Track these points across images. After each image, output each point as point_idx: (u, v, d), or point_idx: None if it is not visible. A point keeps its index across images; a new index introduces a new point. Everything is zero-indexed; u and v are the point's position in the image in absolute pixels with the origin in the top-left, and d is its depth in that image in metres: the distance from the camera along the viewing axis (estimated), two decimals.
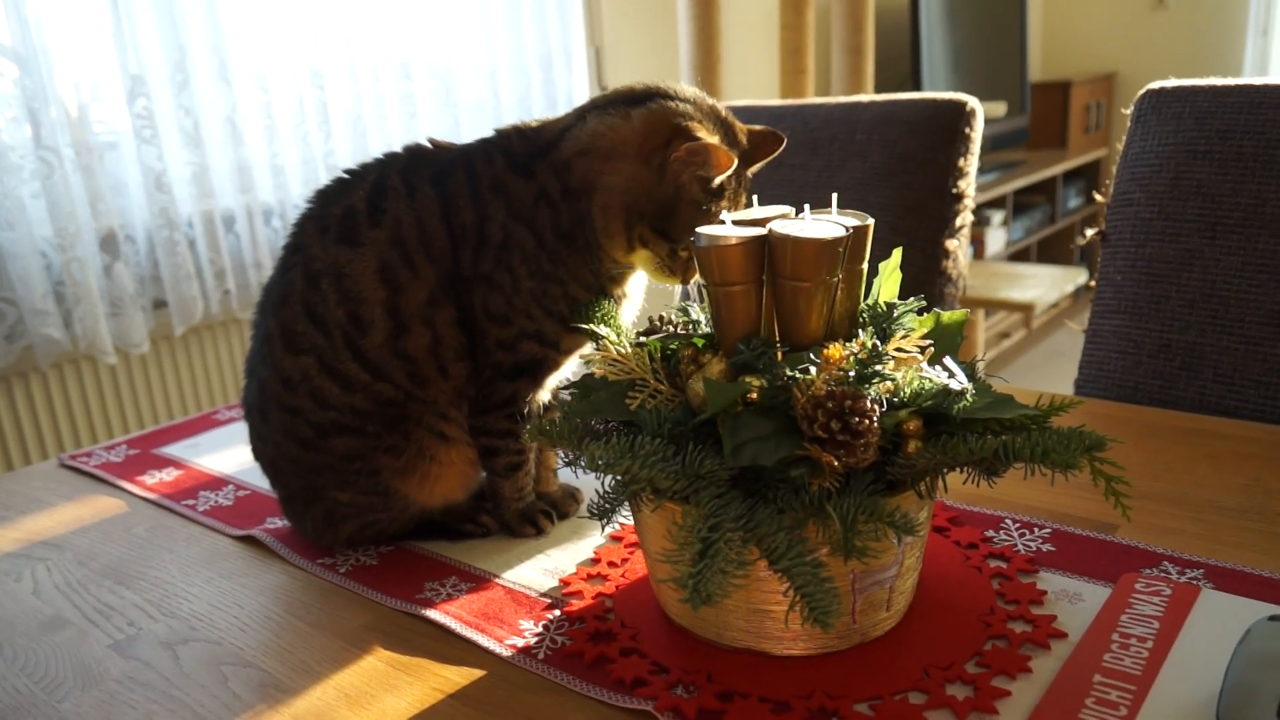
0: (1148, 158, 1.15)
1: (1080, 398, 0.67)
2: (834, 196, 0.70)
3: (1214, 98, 1.12)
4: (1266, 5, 4.46)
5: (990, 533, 0.83)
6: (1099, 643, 0.66)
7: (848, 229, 0.66)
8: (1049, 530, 0.83)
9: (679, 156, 0.77)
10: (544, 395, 0.89)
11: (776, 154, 0.85)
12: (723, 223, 0.69)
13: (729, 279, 0.67)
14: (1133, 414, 1.06)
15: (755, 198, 0.77)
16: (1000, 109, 4.03)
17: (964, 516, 0.86)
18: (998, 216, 4.03)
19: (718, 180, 0.79)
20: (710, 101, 0.83)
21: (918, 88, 3.64)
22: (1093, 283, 1.22)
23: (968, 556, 0.79)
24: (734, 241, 0.66)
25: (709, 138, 0.78)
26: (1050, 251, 4.73)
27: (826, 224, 0.67)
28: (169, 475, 1.11)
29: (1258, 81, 1.09)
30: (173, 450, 1.19)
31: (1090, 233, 1.21)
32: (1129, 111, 1.20)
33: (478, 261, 0.82)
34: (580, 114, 0.83)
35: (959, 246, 1.36)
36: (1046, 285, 3.30)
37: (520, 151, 0.83)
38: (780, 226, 0.66)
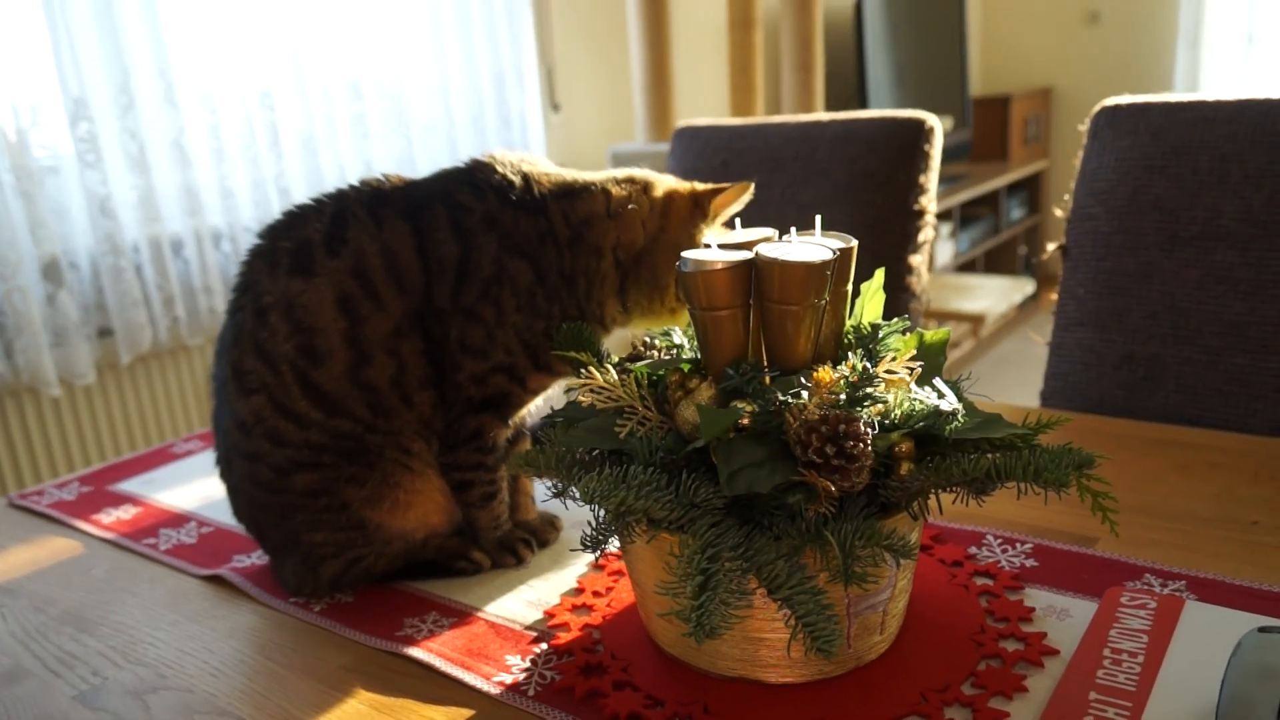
0: (1105, 173, 1.18)
1: (1068, 414, 0.68)
2: (818, 219, 0.70)
3: (1168, 114, 1.14)
4: (1195, 19, 4.60)
5: (973, 549, 0.83)
6: (1091, 659, 0.66)
7: (834, 251, 0.65)
8: (1030, 545, 0.83)
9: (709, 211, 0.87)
10: (509, 432, 0.88)
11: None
12: (708, 247, 0.68)
13: (715, 304, 0.66)
14: (1100, 425, 1.08)
15: (738, 220, 0.77)
16: (947, 124, 4.11)
17: (946, 534, 0.86)
18: (945, 229, 4.10)
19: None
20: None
21: (864, 104, 3.70)
22: (1054, 295, 1.24)
23: (953, 575, 0.79)
24: (720, 266, 0.65)
25: (716, 185, 0.88)
26: (996, 262, 4.82)
27: (812, 246, 0.66)
28: (126, 513, 1.07)
29: (1209, 98, 1.12)
30: (129, 486, 1.15)
31: (1051, 247, 1.23)
32: (1084, 128, 1.23)
33: (458, 295, 0.81)
34: (593, 182, 0.87)
35: (922, 262, 1.38)
36: (996, 296, 3.36)
37: (522, 190, 0.84)
38: (767, 250, 0.65)
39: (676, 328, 0.78)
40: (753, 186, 0.87)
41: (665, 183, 0.88)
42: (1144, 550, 0.81)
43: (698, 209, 0.86)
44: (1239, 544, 0.80)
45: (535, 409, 0.90)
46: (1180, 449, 0.99)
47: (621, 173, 0.88)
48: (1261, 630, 0.61)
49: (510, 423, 0.87)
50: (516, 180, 0.84)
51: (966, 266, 4.48)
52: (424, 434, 0.84)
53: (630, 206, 0.85)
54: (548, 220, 0.83)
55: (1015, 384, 3.60)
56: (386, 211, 0.82)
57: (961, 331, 4.19)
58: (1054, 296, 1.24)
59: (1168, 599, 0.72)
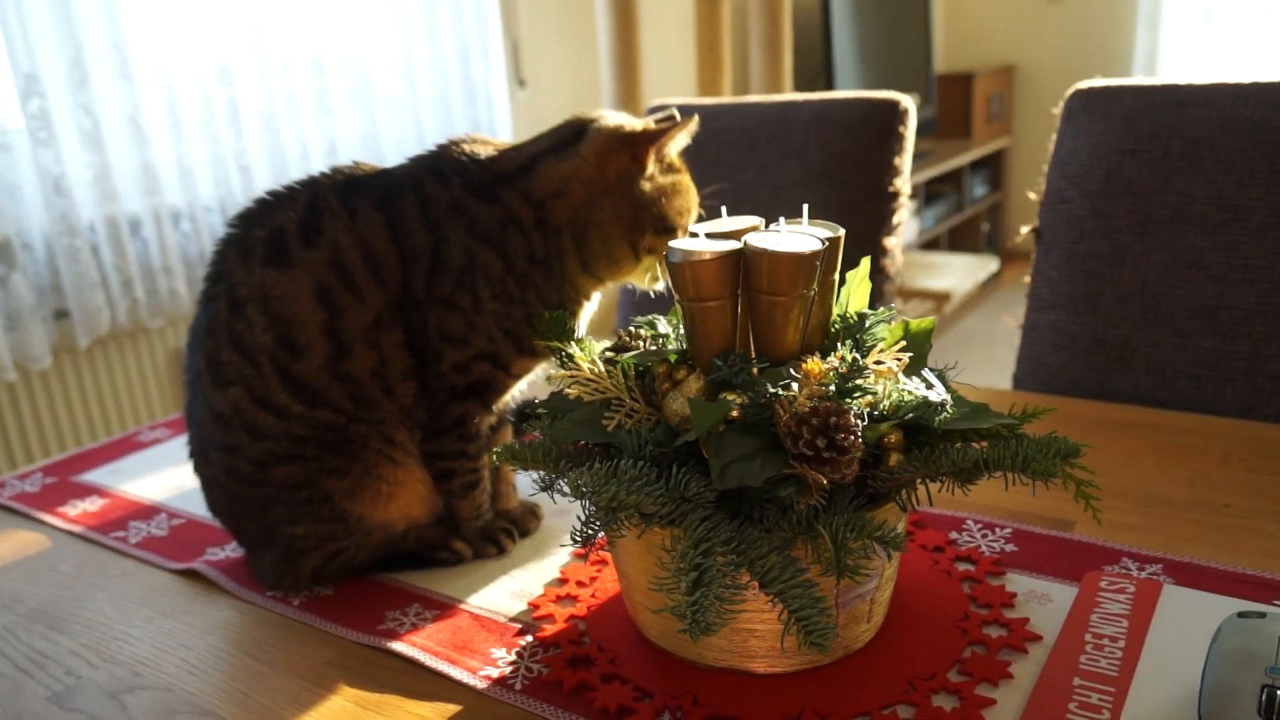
0: (1079, 156, 1.18)
1: (1051, 404, 0.68)
2: (805, 208, 0.69)
3: (1140, 97, 1.15)
4: None
5: (954, 534, 0.84)
6: (1073, 645, 0.67)
7: (823, 241, 0.65)
8: (1010, 530, 0.84)
9: (650, 170, 0.82)
10: (492, 419, 0.87)
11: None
12: (695, 236, 0.68)
13: (704, 294, 0.65)
14: (1073, 408, 1.09)
15: (724, 210, 0.76)
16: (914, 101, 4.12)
17: (927, 519, 0.87)
18: (909, 206, 4.12)
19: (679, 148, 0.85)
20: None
21: (830, 81, 3.69)
22: (1018, 273, 1.25)
23: (935, 560, 0.80)
24: (708, 257, 0.65)
25: (657, 127, 0.83)
26: (959, 239, 4.86)
27: (800, 236, 0.66)
28: (93, 505, 1.05)
29: (1181, 81, 1.13)
30: (94, 477, 1.12)
31: (1025, 230, 1.24)
32: (1058, 110, 1.23)
33: (434, 284, 0.80)
34: (533, 156, 0.83)
35: (896, 244, 1.38)
36: (961, 274, 3.39)
37: (479, 176, 0.82)
38: (756, 240, 0.64)
39: (662, 318, 0.78)
40: (696, 120, 0.83)
41: (605, 129, 0.83)
42: (1120, 534, 0.82)
43: (635, 163, 0.82)
44: (1213, 527, 0.82)
45: (518, 393, 0.89)
46: (1152, 432, 1.01)
47: (557, 130, 0.85)
48: (1240, 615, 0.62)
49: (493, 408, 0.86)
50: (471, 166, 0.83)
51: (930, 244, 4.51)
52: (407, 424, 0.83)
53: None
54: (504, 206, 0.81)
55: (981, 361, 3.64)
56: (359, 201, 0.81)
57: (925, 309, 4.23)
58: (1023, 277, 1.24)
59: (1146, 583, 0.73)
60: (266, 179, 2.33)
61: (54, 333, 2.03)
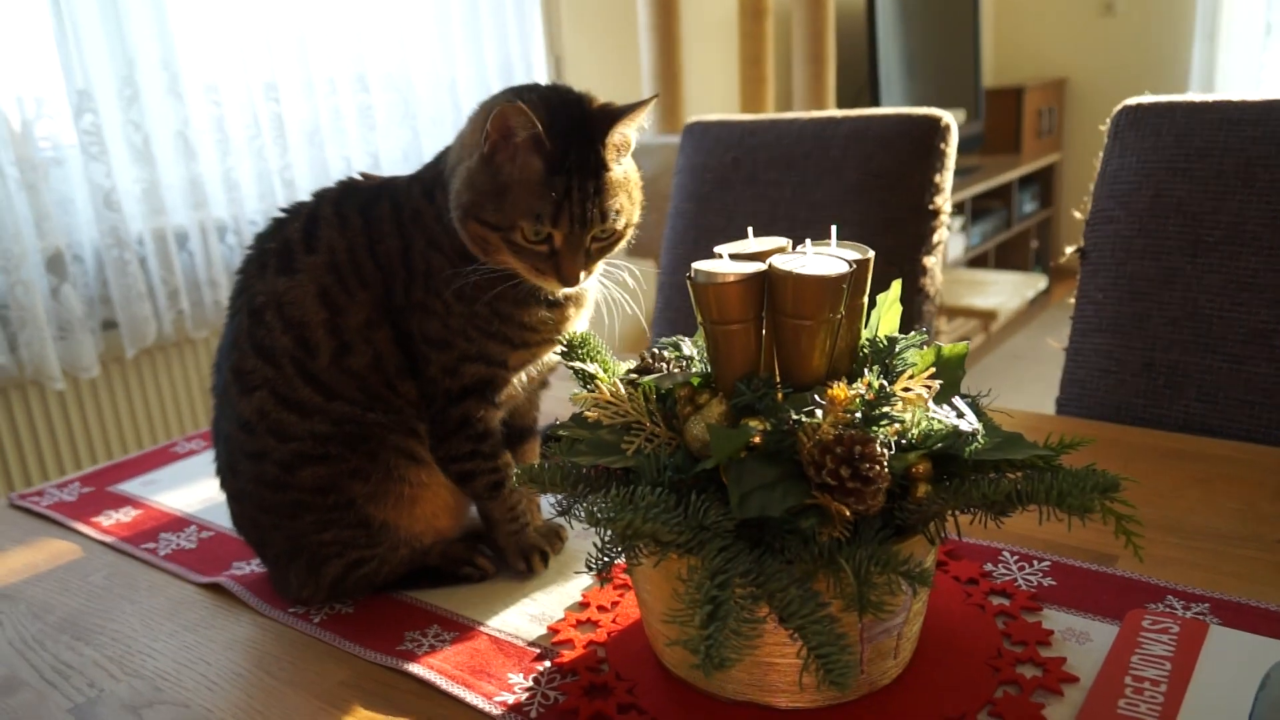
0: (1126, 175, 1.15)
1: (1090, 432, 0.65)
2: (833, 229, 0.67)
3: (1191, 114, 1.11)
4: (1212, 11, 4.54)
5: (989, 566, 0.81)
6: (1112, 687, 0.64)
7: (850, 264, 0.63)
8: (1048, 563, 0.81)
9: (490, 138, 0.74)
10: (500, 413, 0.86)
11: (645, 107, 0.80)
12: (719, 257, 0.66)
13: (727, 317, 0.64)
14: (1118, 434, 1.05)
15: (750, 229, 0.74)
16: (959, 116, 4.06)
17: (961, 550, 0.84)
18: (956, 222, 4.06)
19: (522, 136, 0.73)
20: (562, 89, 0.79)
21: (875, 96, 3.65)
22: (1068, 294, 1.22)
23: (969, 594, 0.77)
24: (732, 279, 0.63)
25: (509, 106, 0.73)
26: (1007, 256, 4.78)
27: (828, 259, 0.64)
28: (126, 515, 1.06)
29: (1235, 98, 1.09)
30: (129, 487, 1.14)
31: (1070, 250, 1.20)
32: (1105, 127, 1.20)
33: (410, 291, 0.82)
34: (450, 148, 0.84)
35: (936, 263, 1.35)
36: (1008, 292, 3.32)
37: (429, 178, 0.84)
38: (781, 263, 0.63)
39: (686, 340, 0.76)
40: (522, 109, 0.71)
41: (488, 102, 0.80)
42: (1165, 570, 0.78)
43: (484, 139, 0.75)
44: (1263, 564, 0.78)
45: (524, 387, 0.88)
46: (1201, 461, 0.97)
47: (481, 108, 0.81)
48: None
49: (497, 402, 0.85)
50: (427, 170, 0.84)
51: (978, 260, 4.43)
52: (420, 415, 0.84)
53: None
54: (436, 205, 0.81)
55: (1029, 381, 3.57)
56: (347, 208, 0.84)
57: (972, 327, 4.16)
58: (1070, 299, 1.21)
59: (1191, 623, 0.70)
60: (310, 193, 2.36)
61: (102, 343, 2.07)
